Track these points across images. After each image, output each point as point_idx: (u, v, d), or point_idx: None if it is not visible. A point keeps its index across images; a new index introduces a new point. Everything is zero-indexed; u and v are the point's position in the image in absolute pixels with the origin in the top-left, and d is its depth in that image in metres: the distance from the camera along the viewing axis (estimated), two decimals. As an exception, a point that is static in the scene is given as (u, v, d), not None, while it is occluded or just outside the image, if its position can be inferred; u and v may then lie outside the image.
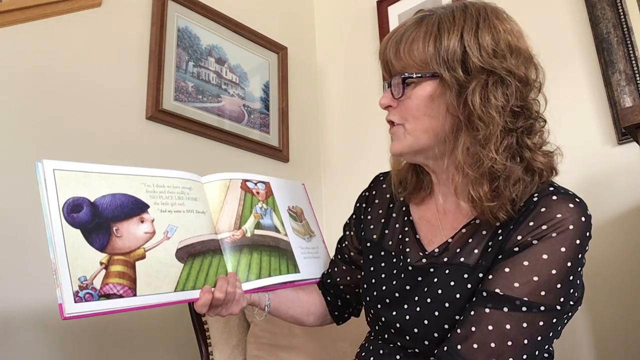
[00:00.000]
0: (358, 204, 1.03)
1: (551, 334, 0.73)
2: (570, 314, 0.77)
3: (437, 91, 0.78)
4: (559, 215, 0.72)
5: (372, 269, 0.92)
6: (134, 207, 0.82)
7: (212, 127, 1.66)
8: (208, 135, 1.66)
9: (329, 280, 1.03)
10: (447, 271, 0.80)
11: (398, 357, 0.84)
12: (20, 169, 1.23)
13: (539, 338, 0.71)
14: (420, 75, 0.79)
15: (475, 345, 0.71)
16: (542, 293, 0.70)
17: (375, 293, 0.88)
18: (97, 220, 0.78)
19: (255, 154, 1.79)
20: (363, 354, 0.91)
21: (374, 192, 1.01)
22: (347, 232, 1.04)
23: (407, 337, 0.82)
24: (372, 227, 0.96)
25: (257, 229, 0.96)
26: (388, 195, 0.98)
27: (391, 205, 0.96)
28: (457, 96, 0.76)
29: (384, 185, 1.00)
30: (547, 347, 0.76)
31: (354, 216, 1.04)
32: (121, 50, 1.52)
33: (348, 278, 1.02)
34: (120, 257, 0.77)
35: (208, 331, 1.19)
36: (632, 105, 1.00)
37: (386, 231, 0.93)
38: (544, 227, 0.72)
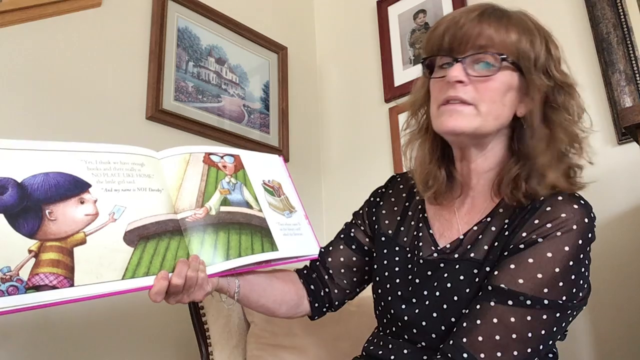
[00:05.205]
0: (372, 198, 1.03)
1: (555, 329, 0.74)
2: (575, 313, 0.77)
3: (515, 84, 0.79)
4: (563, 215, 0.74)
5: (385, 262, 0.92)
6: (72, 187, 0.74)
7: (212, 127, 1.66)
8: (208, 135, 1.66)
9: (330, 259, 1.00)
10: (457, 266, 0.81)
11: (406, 351, 0.84)
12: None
13: (543, 332, 0.72)
14: (513, 61, 0.78)
15: (480, 338, 0.72)
16: (545, 290, 0.72)
17: (388, 285, 0.89)
18: (25, 203, 0.69)
19: (255, 154, 1.79)
20: (371, 347, 0.92)
21: (390, 191, 1.01)
22: (359, 221, 1.03)
23: (415, 330, 0.83)
24: (387, 222, 0.97)
25: (223, 205, 0.87)
26: (404, 194, 0.98)
27: (407, 204, 0.96)
28: (537, 99, 0.79)
29: (401, 186, 1.01)
30: (550, 344, 0.78)
31: (366, 208, 1.03)
32: (121, 50, 1.52)
33: (354, 259, 1.00)
34: (55, 244, 0.69)
35: (208, 331, 1.19)
36: (632, 105, 1.00)
37: (402, 228, 0.94)
38: (549, 225, 0.74)
